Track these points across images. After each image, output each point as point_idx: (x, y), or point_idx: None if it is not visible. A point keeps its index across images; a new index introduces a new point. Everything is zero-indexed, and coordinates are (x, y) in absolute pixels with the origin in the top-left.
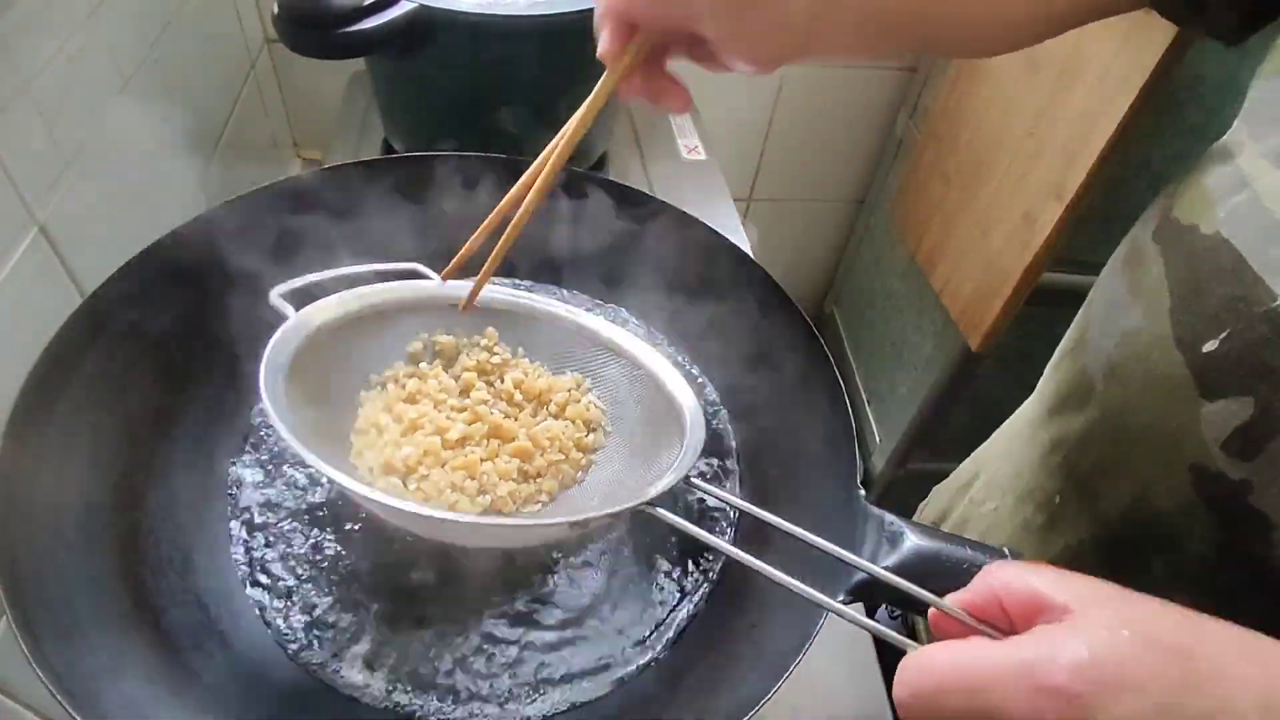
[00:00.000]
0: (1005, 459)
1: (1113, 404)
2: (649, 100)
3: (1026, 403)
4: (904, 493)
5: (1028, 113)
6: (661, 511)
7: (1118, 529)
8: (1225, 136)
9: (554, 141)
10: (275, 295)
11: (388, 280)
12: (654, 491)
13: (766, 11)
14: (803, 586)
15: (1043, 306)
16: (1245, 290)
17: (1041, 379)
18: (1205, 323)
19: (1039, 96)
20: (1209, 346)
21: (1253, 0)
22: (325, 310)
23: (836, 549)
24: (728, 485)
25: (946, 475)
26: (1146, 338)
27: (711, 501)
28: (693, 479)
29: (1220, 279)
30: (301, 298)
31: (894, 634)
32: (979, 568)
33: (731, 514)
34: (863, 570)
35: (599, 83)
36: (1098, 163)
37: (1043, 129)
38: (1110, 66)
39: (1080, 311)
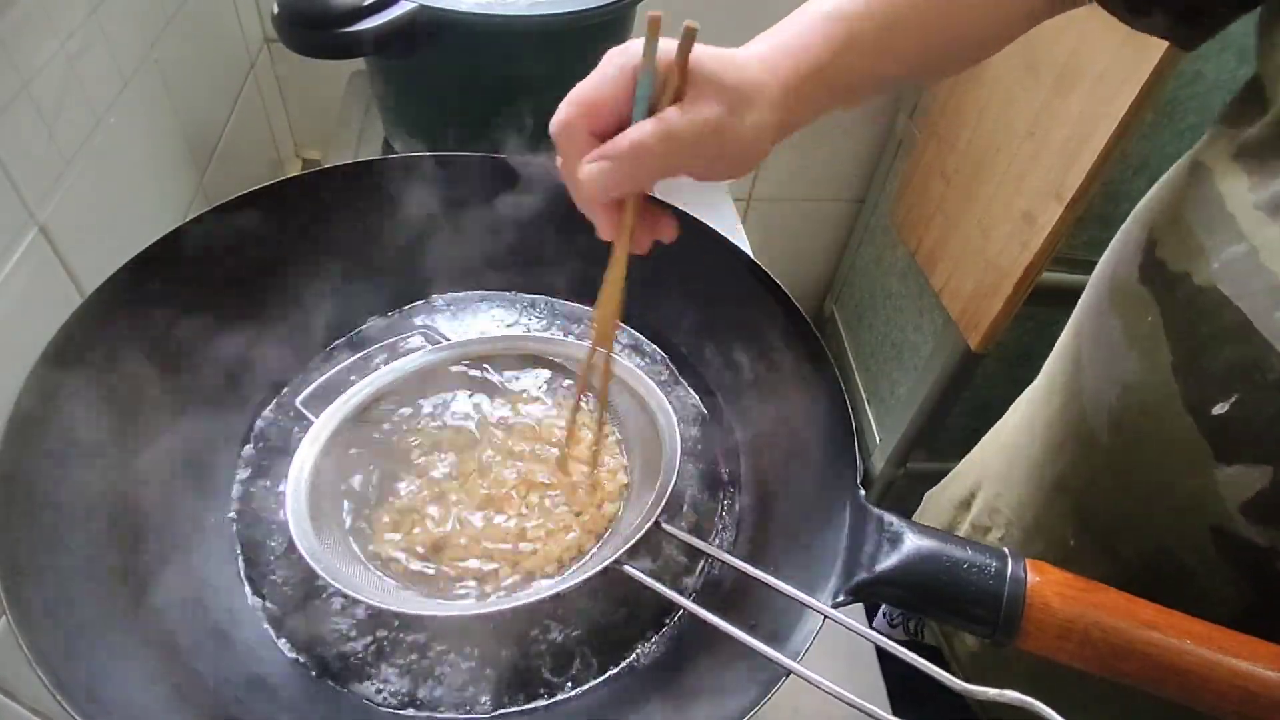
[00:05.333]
0: (1005, 484)
1: (1121, 459)
2: (653, 240)
3: (1018, 412)
4: (904, 493)
5: (1027, 113)
6: (632, 570)
7: (1142, 578)
8: (1196, 150)
9: (597, 318)
10: (298, 402)
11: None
12: (622, 550)
13: (746, 160)
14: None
15: (1043, 306)
16: (1256, 355)
17: (1035, 390)
18: (1213, 385)
19: (1038, 97)
20: (1219, 409)
21: (1187, 6)
22: (339, 411)
23: (799, 594)
24: (725, 489)
25: (946, 476)
26: (1151, 394)
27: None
28: (664, 524)
29: (1226, 340)
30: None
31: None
32: (979, 568)
33: (730, 516)
34: (820, 612)
35: (611, 260)
36: (1098, 163)
37: (1042, 129)
38: (1110, 67)
39: (1067, 336)
